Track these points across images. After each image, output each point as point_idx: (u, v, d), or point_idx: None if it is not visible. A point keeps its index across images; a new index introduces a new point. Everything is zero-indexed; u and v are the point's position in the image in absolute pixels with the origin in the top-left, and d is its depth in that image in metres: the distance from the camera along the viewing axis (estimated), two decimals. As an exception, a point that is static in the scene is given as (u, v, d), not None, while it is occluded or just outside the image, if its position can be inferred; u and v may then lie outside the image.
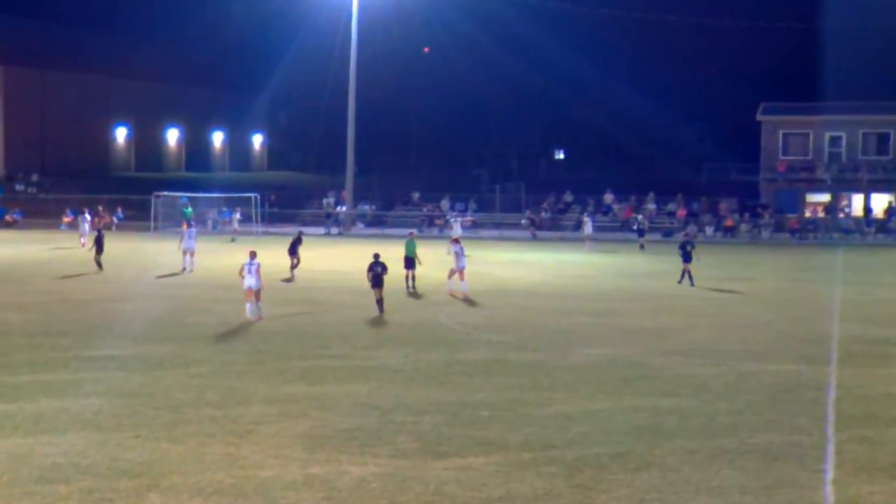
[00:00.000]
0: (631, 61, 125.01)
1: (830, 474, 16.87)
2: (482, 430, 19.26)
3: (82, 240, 62.32)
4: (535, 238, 72.02)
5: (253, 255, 34.13)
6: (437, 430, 19.29)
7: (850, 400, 22.28)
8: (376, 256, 36.00)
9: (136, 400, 21.36)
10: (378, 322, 33.21)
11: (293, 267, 47.14)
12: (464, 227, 63.53)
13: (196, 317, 33.74)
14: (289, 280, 45.35)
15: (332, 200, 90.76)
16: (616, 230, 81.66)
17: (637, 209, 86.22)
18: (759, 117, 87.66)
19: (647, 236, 69.00)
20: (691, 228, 63.84)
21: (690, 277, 45.40)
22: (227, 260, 51.65)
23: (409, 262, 43.12)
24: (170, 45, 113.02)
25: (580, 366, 25.98)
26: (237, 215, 76.30)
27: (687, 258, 45.68)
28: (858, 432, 19.53)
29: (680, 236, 58.93)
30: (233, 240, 69.71)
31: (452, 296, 40.11)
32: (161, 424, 19.45)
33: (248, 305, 33.23)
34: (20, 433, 18.72)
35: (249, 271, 33.40)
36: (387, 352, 27.53)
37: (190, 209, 77.10)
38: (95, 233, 51.41)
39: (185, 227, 51.77)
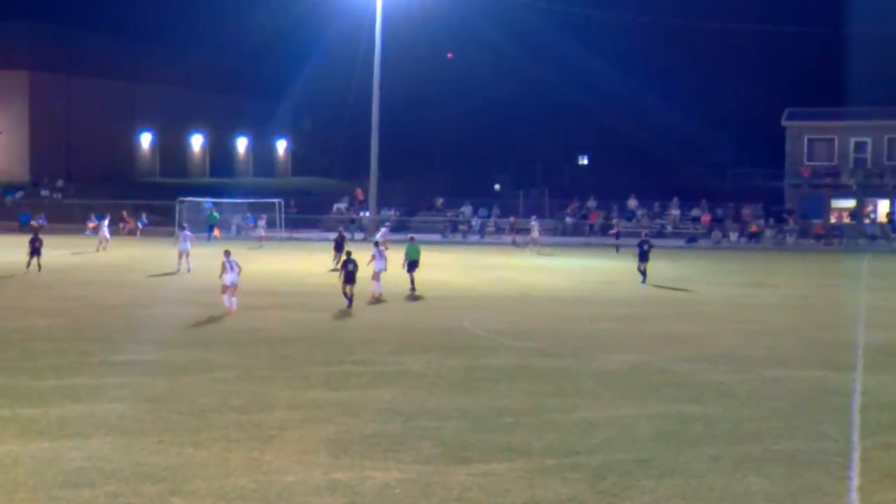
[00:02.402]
0: (656, 67, 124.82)
1: (856, 481, 16.76)
2: (506, 436, 19.22)
3: (102, 244, 62.52)
4: (619, 251, 67.25)
5: (228, 253, 36.85)
6: (461, 435, 19.26)
7: (876, 406, 22.16)
8: (349, 254, 38.99)
9: (161, 405, 21.39)
10: (401, 327, 33.21)
11: (337, 262, 47.45)
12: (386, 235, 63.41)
13: (220, 322, 33.81)
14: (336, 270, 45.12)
15: (344, 206, 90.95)
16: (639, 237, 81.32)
17: (661, 214, 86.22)
18: (784, 122, 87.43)
19: (653, 244, 68.76)
20: (647, 232, 64.26)
21: (644, 274, 47.98)
22: (252, 266, 51.73)
23: (412, 266, 43.82)
24: (194, 51, 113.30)
25: (604, 372, 25.92)
26: (262, 221, 76.27)
27: (644, 257, 48.28)
28: (884, 439, 19.42)
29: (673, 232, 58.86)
30: (260, 246, 69.80)
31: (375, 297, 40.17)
32: (185, 429, 19.48)
33: (224, 297, 35.61)
34: (45, 438, 18.77)
35: (231, 269, 35.68)
36: (410, 357, 27.51)
37: (217, 214, 77.45)
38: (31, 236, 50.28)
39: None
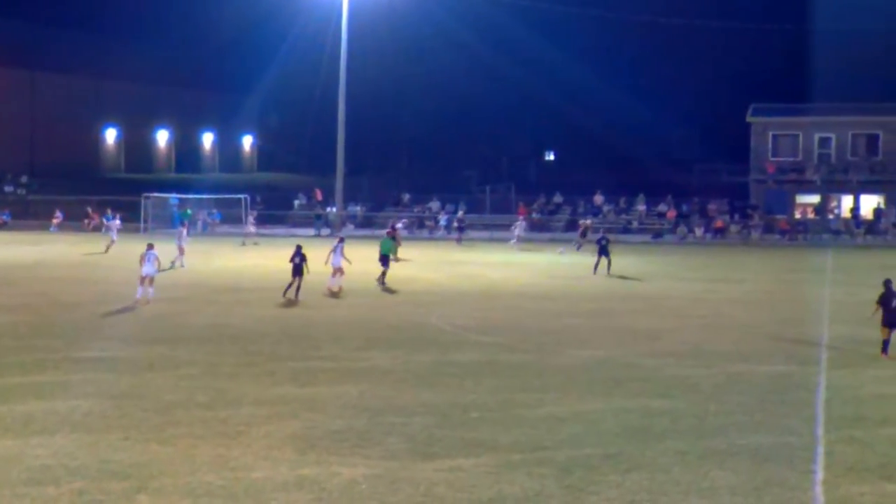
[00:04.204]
0: (621, 63, 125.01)
1: (820, 475, 16.89)
2: (472, 432, 19.26)
3: (110, 244, 59.26)
4: (579, 249, 65.84)
5: (151, 246, 37.92)
6: (428, 431, 19.28)
7: (840, 401, 22.32)
8: (298, 248, 39.58)
9: (126, 402, 21.32)
10: (369, 323, 33.19)
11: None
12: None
13: (186, 318, 33.70)
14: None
15: (303, 202, 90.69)
16: (607, 232, 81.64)
17: (627, 210, 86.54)
18: (749, 119, 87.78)
19: (609, 240, 69.05)
20: (605, 229, 65.75)
21: (596, 266, 50.13)
22: (219, 262, 51.62)
23: (384, 260, 44.40)
24: (160, 47, 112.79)
25: (571, 367, 25.99)
26: (252, 218, 74.82)
27: (603, 252, 50.37)
28: (848, 433, 19.57)
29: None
30: (255, 243, 68.41)
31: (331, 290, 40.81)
32: (151, 426, 19.42)
33: (140, 289, 37.02)
34: (10, 435, 18.67)
35: (149, 260, 37.06)
36: (377, 353, 27.51)
37: (189, 211, 76.92)
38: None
39: (185, 228, 52.69)
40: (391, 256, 45.82)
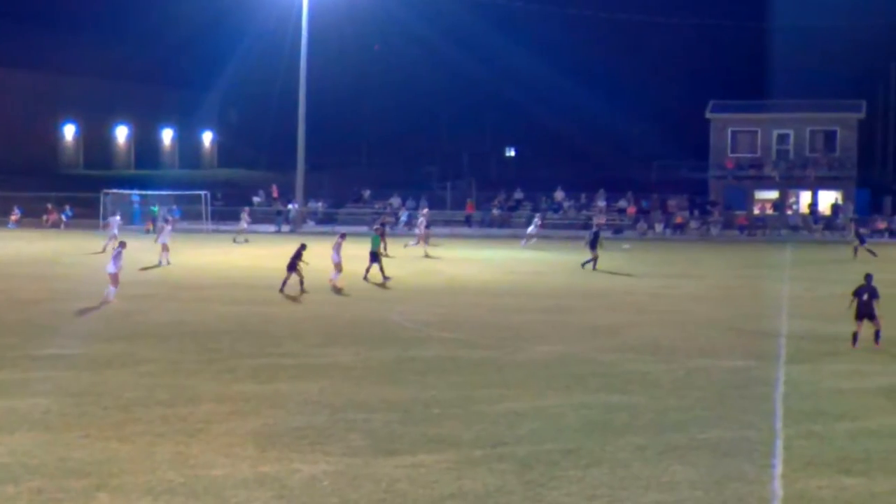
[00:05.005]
0: (581, 59, 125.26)
1: (779, 469, 17.00)
2: (434, 428, 19.27)
3: (108, 242, 56.10)
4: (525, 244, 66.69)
5: (122, 244, 37.92)
6: (389, 427, 19.28)
7: (799, 395, 22.47)
8: (300, 247, 40.74)
9: (85, 399, 21.19)
10: (329, 319, 33.14)
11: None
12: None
13: (146, 315, 33.53)
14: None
15: (261, 199, 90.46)
16: (566, 227, 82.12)
17: (588, 206, 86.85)
18: (709, 115, 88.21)
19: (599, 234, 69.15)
20: (597, 223, 66.27)
21: (595, 263, 50.60)
22: (179, 258, 51.41)
23: (374, 256, 44.40)
24: (119, 42, 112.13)
25: (531, 363, 26.05)
26: (246, 215, 73.49)
27: (593, 245, 51.22)
28: (807, 427, 19.70)
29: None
30: (245, 240, 67.37)
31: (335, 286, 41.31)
32: (110, 424, 19.32)
33: (112, 288, 36.24)
34: (-33, 433, 18.54)
35: (117, 257, 36.63)
36: (338, 349, 27.47)
37: (156, 208, 76.36)
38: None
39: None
40: (381, 252, 45.62)
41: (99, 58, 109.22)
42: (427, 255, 57.69)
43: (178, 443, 18.06)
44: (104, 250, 55.35)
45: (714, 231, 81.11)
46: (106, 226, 61.61)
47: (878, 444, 18.59)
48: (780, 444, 18.50)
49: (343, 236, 44.52)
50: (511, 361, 26.15)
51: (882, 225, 79.84)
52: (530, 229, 69.38)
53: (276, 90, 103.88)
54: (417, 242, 62.25)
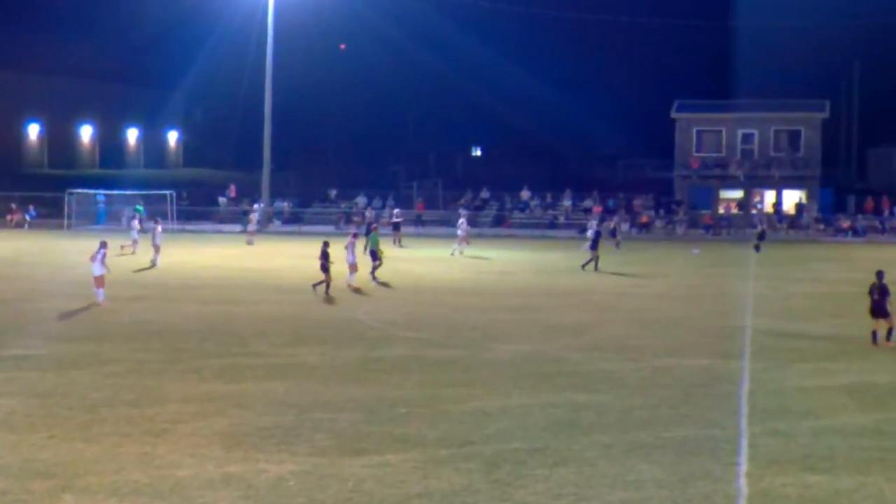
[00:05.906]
0: (547, 58, 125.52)
1: (744, 467, 17.10)
2: (400, 427, 19.28)
3: (134, 245, 55.95)
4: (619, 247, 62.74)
5: (104, 244, 36.78)
6: (355, 427, 19.28)
7: (763, 393, 22.60)
8: (324, 245, 40.52)
9: (50, 400, 21.09)
10: (296, 319, 33.09)
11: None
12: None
13: (112, 316, 33.38)
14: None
15: (225, 199, 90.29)
16: (532, 227, 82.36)
17: (553, 205, 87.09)
18: (674, 115, 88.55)
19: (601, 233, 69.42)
20: (596, 222, 65.93)
21: (596, 263, 50.82)
22: (145, 258, 51.20)
23: (373, 255, 44.89)
24: (84, 40, 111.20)
25: (497, 362, 26.09)
26: (255, 214, 72.35)
27: (594, 246, 51.81)
28: (771, 425, 19.82)
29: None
30: (250, 242, 65.31)
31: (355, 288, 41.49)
32: (75, 424, 19.23)
33: (99, 291, 35.69)
34: (-69, 435, 18.41)
35: (100, 259, 35.96)
36: (304, 349, 27.44)
37: (141, 207, 75.25)
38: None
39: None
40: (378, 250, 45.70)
41: (63, 56, 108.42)
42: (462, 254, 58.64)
43: (144, 443, 18.01)
44: (133, 252, 54.83)
45: (679, 230, 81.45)
46: (134, 227, 59.69)
47: (842, 442, 18.73)
48: (744, 442, 18.61)
49: (356, 235, 44.83)
50: (478, 360, 26.19)
51: (846, 224, 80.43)
52: (459, 233, 61.45)
53: (242, 89, 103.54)
54: (461, 244, 60.02)
